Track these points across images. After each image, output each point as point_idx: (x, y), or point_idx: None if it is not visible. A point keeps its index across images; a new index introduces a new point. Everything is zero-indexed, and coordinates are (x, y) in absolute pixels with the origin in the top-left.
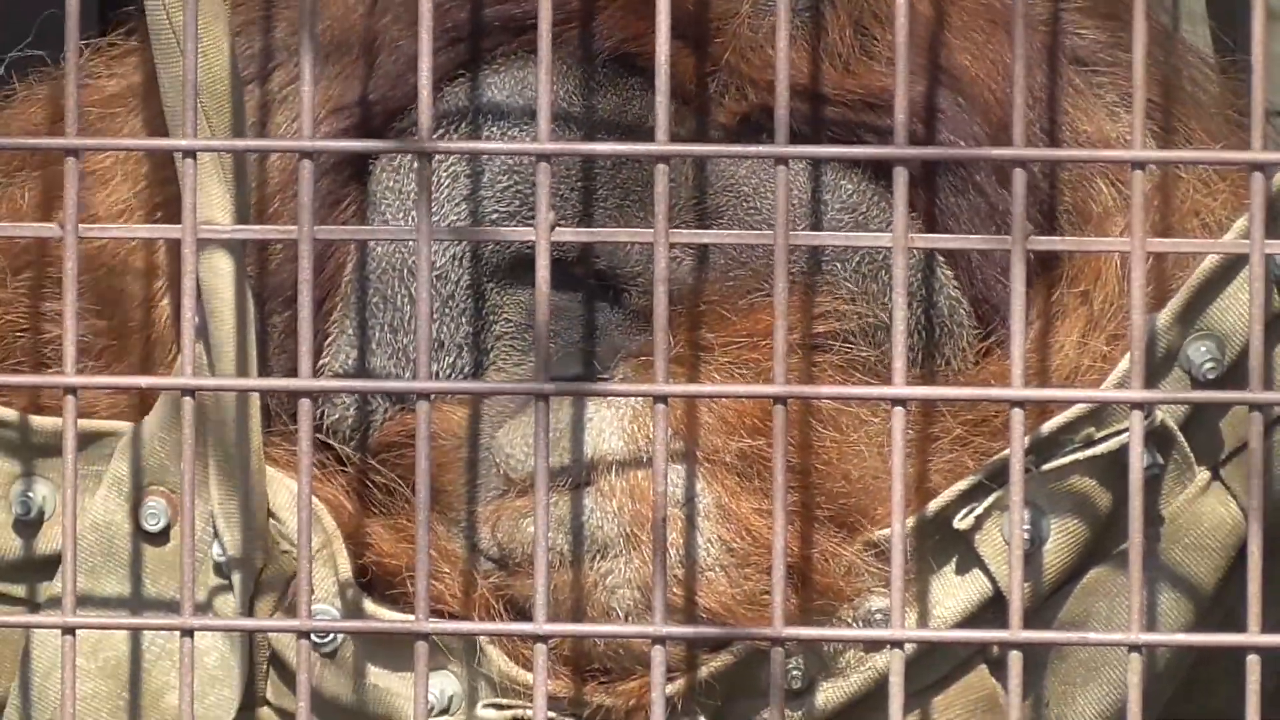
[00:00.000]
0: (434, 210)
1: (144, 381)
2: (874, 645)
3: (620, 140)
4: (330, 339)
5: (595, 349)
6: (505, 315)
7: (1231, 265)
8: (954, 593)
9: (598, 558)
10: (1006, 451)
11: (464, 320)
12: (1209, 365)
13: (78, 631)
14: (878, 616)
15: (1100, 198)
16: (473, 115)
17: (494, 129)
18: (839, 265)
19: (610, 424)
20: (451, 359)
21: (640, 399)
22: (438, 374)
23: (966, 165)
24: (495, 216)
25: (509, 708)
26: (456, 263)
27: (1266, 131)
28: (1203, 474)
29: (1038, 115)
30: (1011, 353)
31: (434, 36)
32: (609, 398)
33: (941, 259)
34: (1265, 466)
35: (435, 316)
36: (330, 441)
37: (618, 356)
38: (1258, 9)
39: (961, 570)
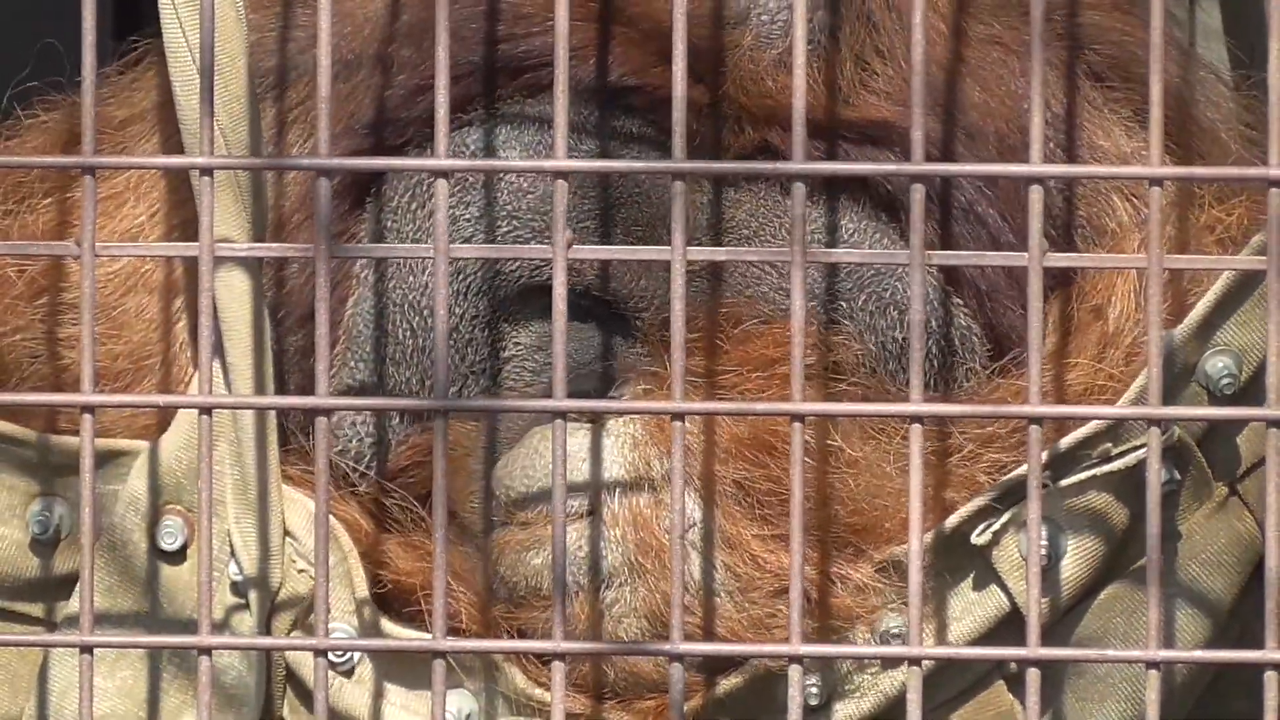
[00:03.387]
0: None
1: (161, 400)
2: (891, 662)
3: (634, 162)
4: (334, 371)
5: (605, 370)
6: (515, 339)
7: (1248, 281)
8: (971, 609)
9: (603, 587)
10: (1023, 468)
11: (470, 350)
12: (1226, 381)
13: (95, 650)
14: (894, 633)
15: (1116, 213)
16: (485, 151)
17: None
18: (844, 304)
19: (611, 453)
20: (457, 388)
21: (641, 427)
22: None
23: (969, 196)
24: (516, 261)
25: None
26: (461, 297)
27: None
28: (1220, 489)
29: (1055, 132)
30: (1029, 369)
31: (449, 63)
32: (609, 430)
33: (951, 288)
34: None
35: (434, 349)
36: (342, 463)
37: (621, 380)
38: (1275, 26)
39: (978, 586)
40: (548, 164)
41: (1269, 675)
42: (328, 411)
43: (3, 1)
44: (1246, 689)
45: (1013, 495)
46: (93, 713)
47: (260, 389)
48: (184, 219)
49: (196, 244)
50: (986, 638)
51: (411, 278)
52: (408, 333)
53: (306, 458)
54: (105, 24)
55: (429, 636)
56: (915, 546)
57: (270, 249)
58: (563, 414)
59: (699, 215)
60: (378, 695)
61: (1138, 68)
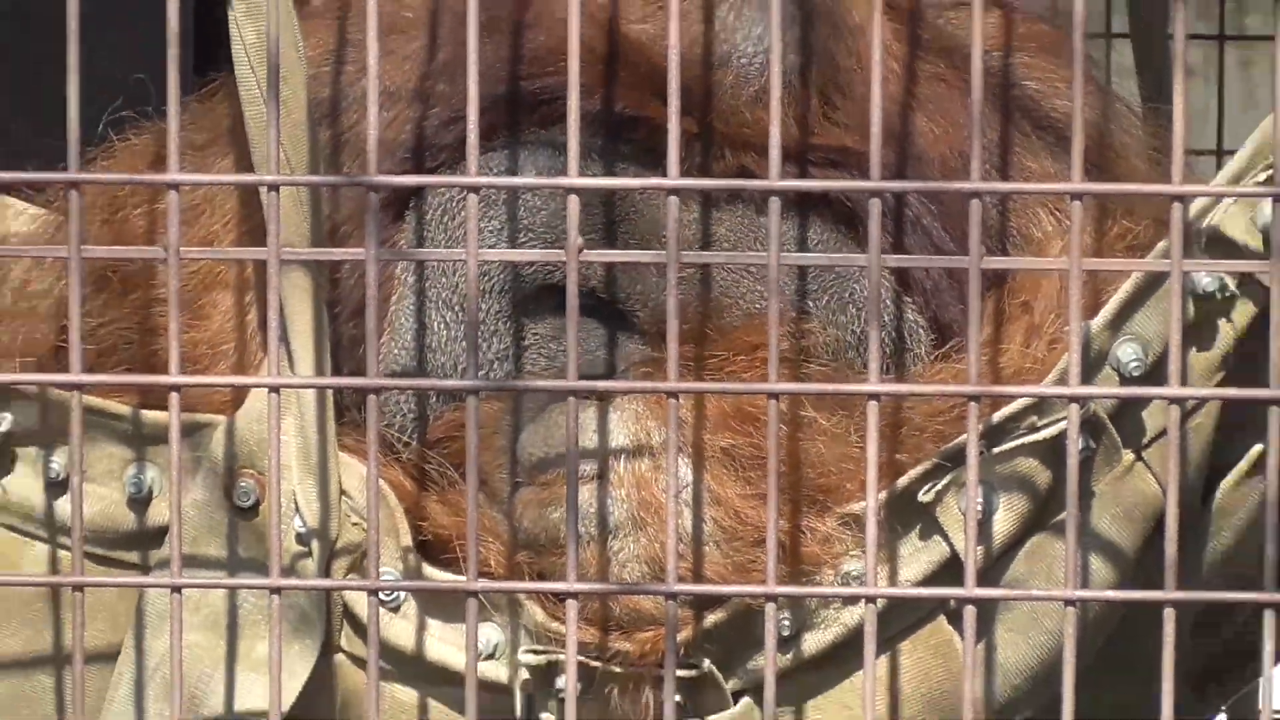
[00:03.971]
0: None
1: (236, 381)
2: (851, 600)
3: (635, 180)
4: (380, 357)
5: (609, 357)
6: (533, 331)
7: (1154, 281)
8: (918, 556)
9: (610, 538)
10: (963, 438)
11: (494, 340)
12: (1134, 364)
13: (183, 590)
14: (854, 575)
15: (1041, 224)
16: (507, 172)
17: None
18: (810, 303)
19: (617, 426)
20: (483, 373)
21: (641, 404)
22: None
23: (916, 210)
24: (532, 265)
25: (545, 653)
26: (486, 296)
27: (1184, 168)
28: (1128, 456)
29: (991, 155)
30: (969, 355)
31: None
32: (615, 406)
33: (901, 289)
34: (1180, 450)
35: (465, 338)
36: (389, 434)
37: (625, 366)
38: (1179, 68)
39: (924, 537)
40: (563, 181)
41: (1167, 612)
42: (377, 390)
43: (99, 46)
44: (1150, 627)
45: (954, 460)
46: (181, 643)
47: (320, 371)
48: (252, 227)
49: (265, 249)
50: (931, 580)
51: (444, 279)
52: (441, 325)
53: (359, 429)
54: (187, 61)
55: (463, 579)
56: (872, 504)
57: (327, 253)
58: (575, 393)
59: (686, 231)
60: (420, 629)
61: (1061, 101)
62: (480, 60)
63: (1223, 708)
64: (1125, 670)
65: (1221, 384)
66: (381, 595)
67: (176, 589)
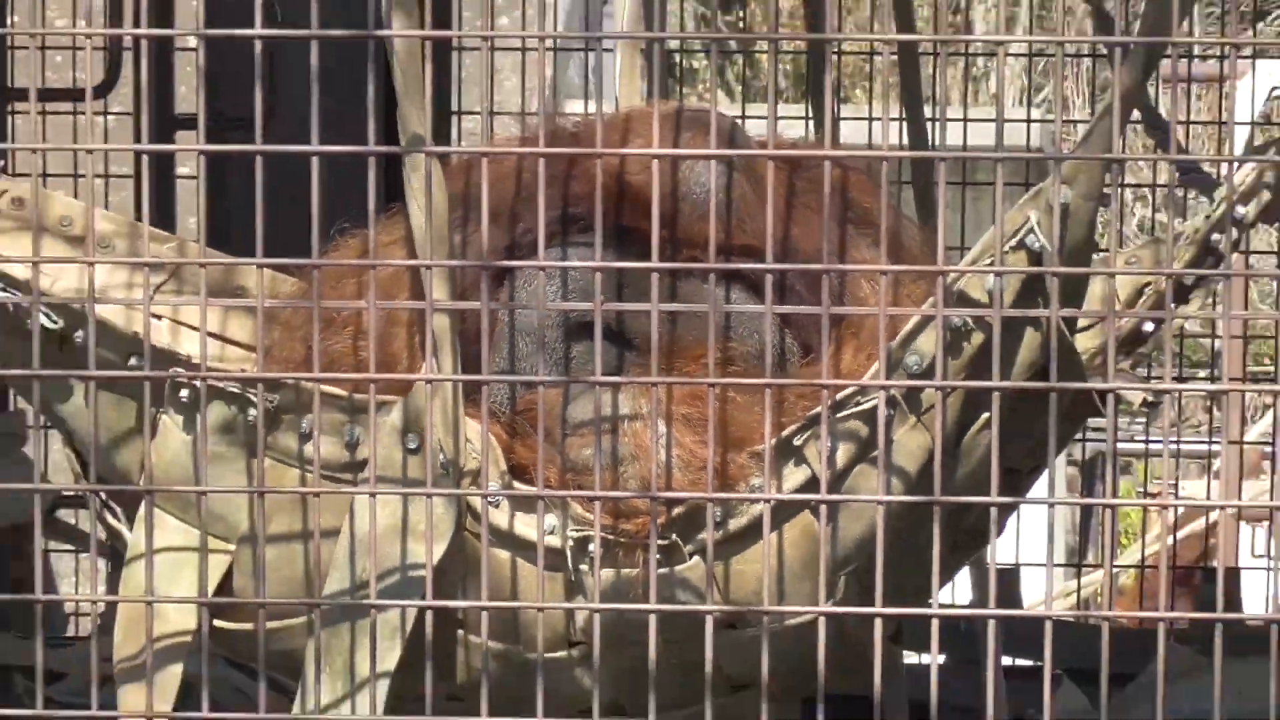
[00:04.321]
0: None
1: (407, 377)
2: (755, 502)
3: (632, 263)
4: (489, 364)
5: (618, 363)
6: (575, 348)
7: (927, 321)
8: (794, 476)
9: (619, 465)
10: (819, 409)
11: (553, 354)
12: (916, 367)
13: (376, 496)
14: (757, 487)
15: (864, 288)
16: (561, 259)
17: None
18: (731, 332)
19: (622, 402)
20: (547, 372)
21: (637, 390)
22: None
23: (791, 281)
24: (575, 312)
25: (581, 532)
26: (549, 328)
27: (943, 256)
28: (912, 419)
29: (834, 247)
30: (823, 362)
31: (541, 212)
32: (622, 391)
33: (785, 325)
34: (942, 416)
35: (537, 352)
36: (493, 407)
37: (627, 368)
38: (941, 199)
39: (797, 465)
40: (592, 264)
41: (936, 509)
42: (487, 382)
43: (335, 193)
44: (926, 522)
45: (814, 422)
46: (376, 528)
47: (454, 371)
48: (417, 290)
49: (423, 301)
50: (801, 490)
51: (525, 318)
52: (524, 345)
53: (476, 405)
54: (380, 195)
55: (535, 489)
56: (768, 447)
57: (459, 305)
58: (599, 384)
59: (661, 292)
60: (511, 518)
61: (876, 217)
62: (545, 197)
63: (965, 564)
64: (915, 565)
65: (965, 379)
66: (489, 499)
67: (373, 495)
